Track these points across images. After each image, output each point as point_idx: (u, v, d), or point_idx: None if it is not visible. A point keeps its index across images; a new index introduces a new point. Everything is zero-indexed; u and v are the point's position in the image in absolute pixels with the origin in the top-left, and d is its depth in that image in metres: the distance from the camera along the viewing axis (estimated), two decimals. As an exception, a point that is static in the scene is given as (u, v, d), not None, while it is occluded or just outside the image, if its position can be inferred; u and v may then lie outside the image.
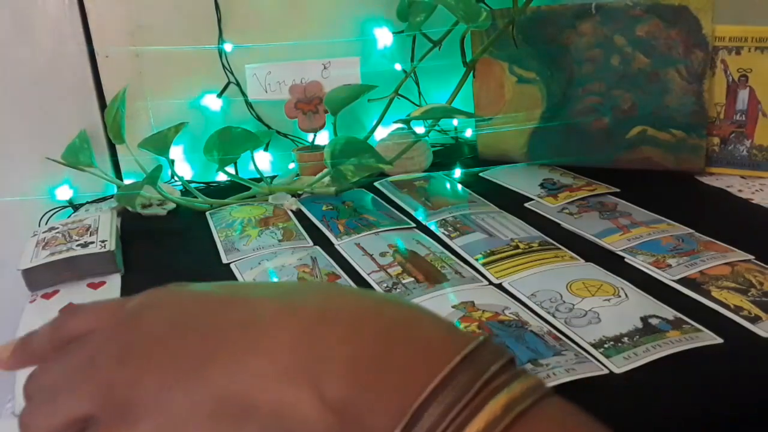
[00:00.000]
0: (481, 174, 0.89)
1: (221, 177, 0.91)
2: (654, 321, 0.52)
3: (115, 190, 0.88)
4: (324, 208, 0.80)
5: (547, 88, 0.87)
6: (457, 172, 0.89)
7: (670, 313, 0.54)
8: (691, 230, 0.68)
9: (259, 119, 0.93)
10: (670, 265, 0.61)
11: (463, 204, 0.78)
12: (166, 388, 0.28)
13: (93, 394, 0.29)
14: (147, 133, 0.85)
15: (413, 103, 0.96)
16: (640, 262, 0.62)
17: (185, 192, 0.86)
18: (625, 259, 0.63)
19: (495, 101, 0.90)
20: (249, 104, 0.92)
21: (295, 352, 0.28)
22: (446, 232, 0.72)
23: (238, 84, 0.91)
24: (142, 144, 0.84)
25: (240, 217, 0.78)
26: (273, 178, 0.92)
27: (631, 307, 0.55)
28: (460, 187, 0.85)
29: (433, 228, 0.73)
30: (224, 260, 0.69)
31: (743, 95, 0.80)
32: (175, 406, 0.28)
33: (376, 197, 0.83)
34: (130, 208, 0.82)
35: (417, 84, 0.97)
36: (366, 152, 0.76)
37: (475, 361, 0.26)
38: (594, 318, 0.54)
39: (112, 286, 0.66)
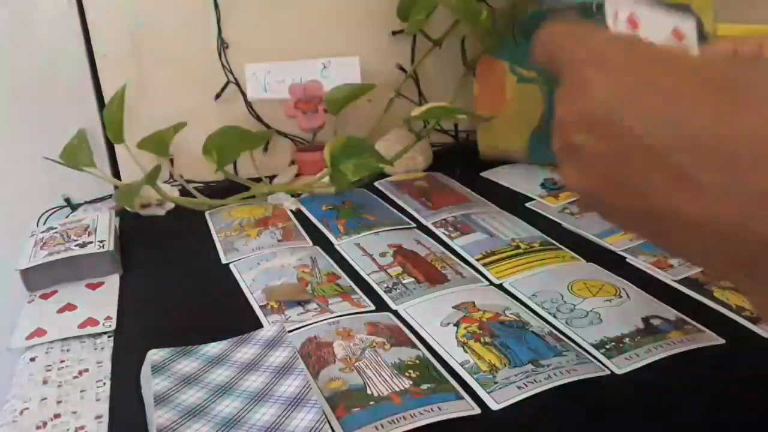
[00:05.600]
0: (481, 174, 0.89)
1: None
2: (655, 321, 0.52)
3: (114, 190, 0.87)
4: (324, 208, 0.80)
5: (548, 87, 0.86)
6: (457, 172, 0.89)
7: (671, 313, 0.53)
8: (692, 230, 0.67)
9: (259, 119, 0.93)
10: (671, 265, 0.61)
11: (463, 204, 0.78)
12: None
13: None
14: (146, 132, 0.85)
15: (413, 102, 0.96)
16: (641, 263, 0.62)
17: (184, 192, 0.86)
18: (627, 260, 0.63)
19: (495, 101, 0.90)
20: (249, 104, 0.92)
21: None
22: (446, 232, 0.71)
23: (237, 83, 0.90)
24: (141, 144, 0.83)
25: (239, 218, 0.78)
26: (272, 178, 0.91)
27: (633, 308, 0.54)
28: (460, 186, 0.84)
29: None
30: (223, 260, 0.69)
31: (745, 95, 0.80)
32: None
33: (376, 197, 0.83)
34: (128, 208, 0.82)
35: (417, 84, 0.97)
36: (366, 152, 0.76)
37: None
38: (595, 318, 0.53)
39: (111, 287, 0.65)
